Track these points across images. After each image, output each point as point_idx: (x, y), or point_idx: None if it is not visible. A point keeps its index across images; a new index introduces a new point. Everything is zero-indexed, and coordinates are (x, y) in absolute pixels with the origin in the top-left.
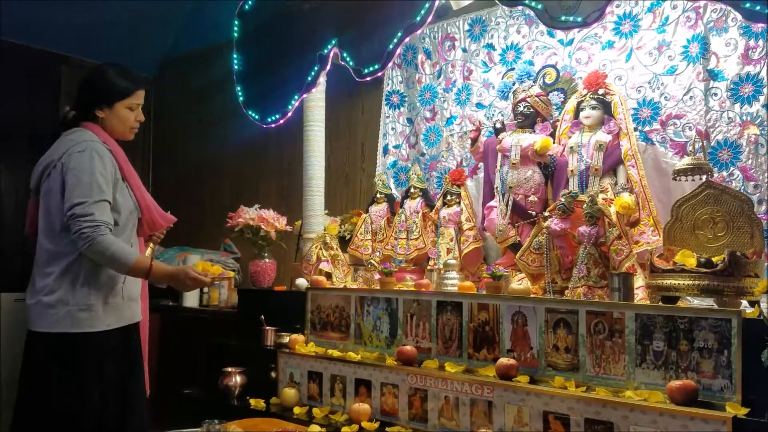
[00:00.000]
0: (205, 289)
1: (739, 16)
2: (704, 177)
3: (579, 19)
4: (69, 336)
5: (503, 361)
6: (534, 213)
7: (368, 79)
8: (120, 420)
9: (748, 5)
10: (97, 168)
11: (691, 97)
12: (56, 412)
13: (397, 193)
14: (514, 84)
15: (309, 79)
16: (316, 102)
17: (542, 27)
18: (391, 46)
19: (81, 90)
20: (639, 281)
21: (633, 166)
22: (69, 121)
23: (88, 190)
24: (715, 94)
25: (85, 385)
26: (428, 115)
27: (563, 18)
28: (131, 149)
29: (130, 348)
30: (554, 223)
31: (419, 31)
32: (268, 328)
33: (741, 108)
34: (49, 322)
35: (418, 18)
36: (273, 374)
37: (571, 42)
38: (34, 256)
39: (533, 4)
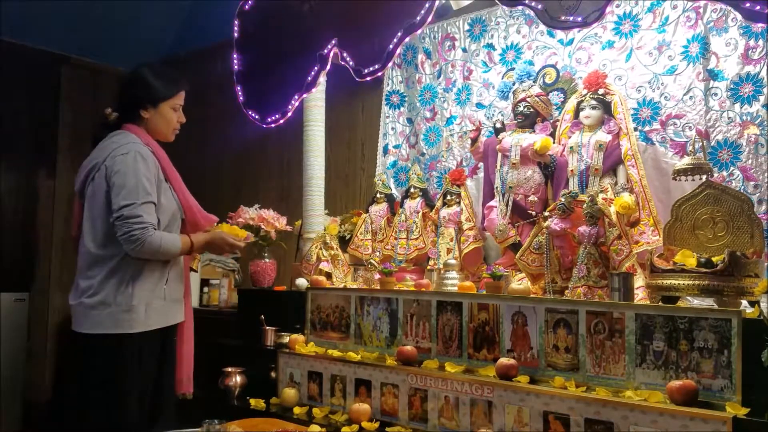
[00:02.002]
0: (205, 289)
1: (739, 16)
2: (704, 177)
3: (579, 19)
4: (110, 337)
5: (503, 361)
6: (534, 213)
7: (368, 79)
8: (151, 417)
9: (748, 5)
10: (141, 170)
11: (691, 97)
12: (97, 410)
13: (397, 193)
14: (514, 84)
15: (309, 79)
16: (316, 102)
17: (542, 27)
18: (391, 46)
19: (124, 90)
20: (639, 281)
21: (633, 166)
22: (111, 123)
23: (134, 192)
24: (715, 94)
25: (125, 384)
26: (428, 115)
27: (563, 18)
28: None
29: (166, 348)
30: (554, 223)
31: (419, 31)
32: (268, 328)
33: (741, 108)
34: (91, 323)
35: (418, 18)
36: (273, 374)
37: (571, 42)
38: (77, 258)
39: (533, 4)
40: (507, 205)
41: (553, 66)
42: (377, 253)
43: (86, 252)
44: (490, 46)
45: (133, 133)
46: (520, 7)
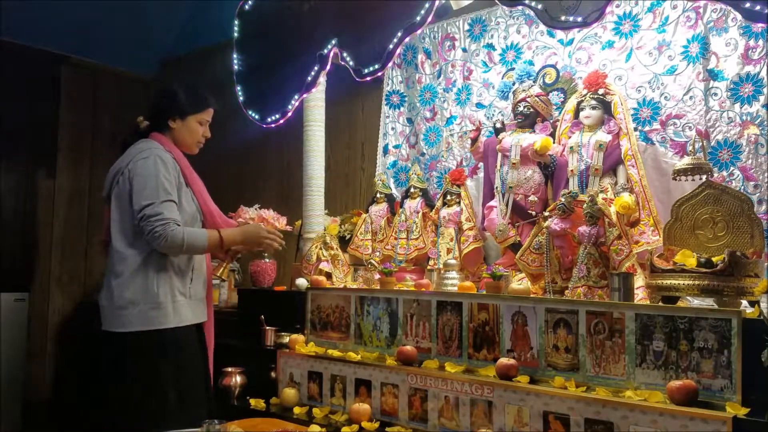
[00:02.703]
0: None
1: (739, 16)
2: (704, 177)
3: (579, 19)
4: (142, 334)
5: (503, 361)
6: (534, 213)
7: (368, 79)
8: (182, 414)
9: (748, 5)
10: (161, 172)
11: (691, 97)
12: (134, 406)
13: (397, 193)
14: (514, 84)
15: (309, 79)
16: (316, 102)
17: (542, 27)
18: (391, 46)
19: (157, 99)
20: (639, 281)
21: (633, 166)
22: (141, 131)
23: (154, 192)
24: (715, 94)
25: (160, 380)
26: (428, 115)
27: (563, 18)
28: None
29: (198, 346)
30: (554, 223)
31: (419, 31)
32: (268, 328)
33: (741, 108)
34: (122, 322)
35: (418, 18)
36: (273, 374)
37: (571, 42)
38: (107, 260)
39: (533, 4)
40: (507, 205)
41: (553, 66)
42: (377, 253)
43: (114, 253)
44: (490, 46)
45: (158, 141)
46: (520, 7)
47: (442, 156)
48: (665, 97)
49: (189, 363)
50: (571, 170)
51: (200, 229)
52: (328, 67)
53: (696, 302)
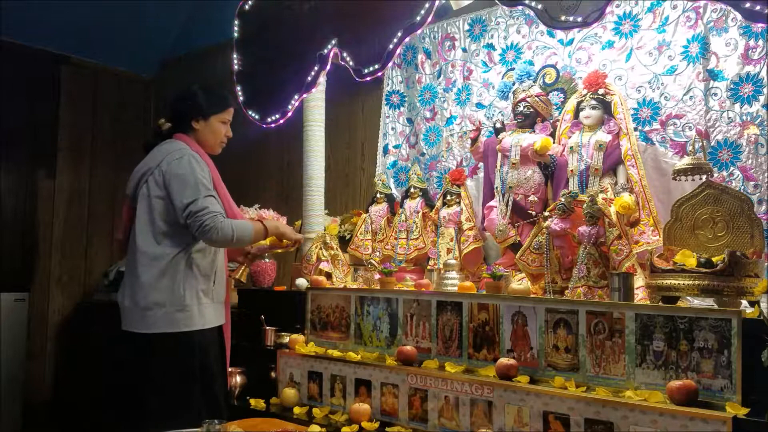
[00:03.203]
0: None
1: (739, 16)
2: (704, 177)
3: (579, 19)
4: (168, 335)
5: (503, 361)
6: (534, 213)
7: (368, 79)
8: (202, 413)
9: (748, 5)
10: (197, 170)
11: (691, 97)
12: (158, 406)
13: (397, 193)
14: (514, 84)
15: (309, 79)
16: (316, 102)
17: (542, 27)
18: (391, 46)
19: (178, 102)
20: (639, 281)
21: (633, 166)
22: (163, 133)
23: (195, 189)
24: (715, 94)
25: (184, 380)
26: (428, 115)
27: (563, 18)
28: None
29: (219, 347)
30: (554, 223)
31: (419, 31)
32: (268, 328)
33: (741, 108)
34: (147, 323)
35: (418, 18)
36: (273, 374)
37: (571, 42)
38: (124, 260)
39: (533, 4)
40: (507, 205)
41: (553, 66)
42: (377, 253)
43: (138, 253)
44: (490, 46)
45: (184, 141)
46: (520, 7)
47: (442, 156)
48: (665, 97)
49: (212, 364)
50: (571, 170)
51: (245, 221)
52: (328, 67)
53: (696, 302)
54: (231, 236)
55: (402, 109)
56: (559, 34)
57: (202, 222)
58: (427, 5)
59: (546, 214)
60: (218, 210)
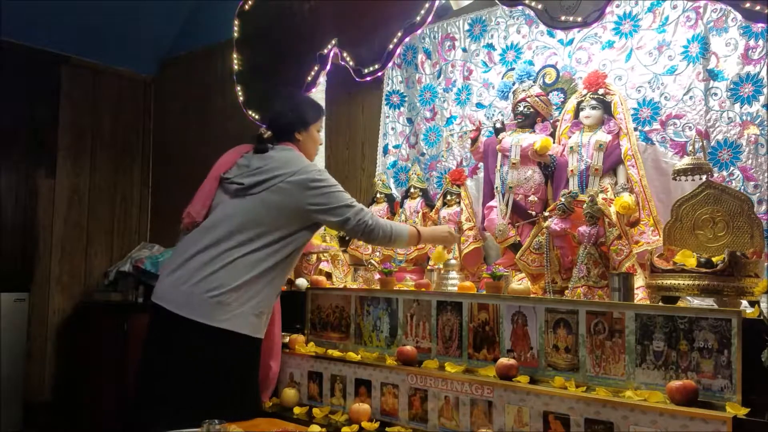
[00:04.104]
0: None
1: (739, 16)
2: (704, 177)
3: (579, 19)
4: (240, 336)
5: (503, 361)
6: (534, 213)
7: (368, 79)
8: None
9: (748, 5)
10: (329, 178)
11: (691, 97)
12: (205, 399)
13: (397, 193)
14: (514, 84)
15: (309, 79)
16: None
17: (542, 27)
18: (391, 46)
19: (280, 115)
20: (639, 281)
21: (633, 166)
22: (265, 139)
23: (341, 195)
24: (715, 94)
25: (243, 381)
26: (428, 115)
27: (563, 18)
28: (131, 149)
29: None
30: (554, 223)
31: (419, 31)
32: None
33: (741, 108)
34: (220, 318)
35: (418, 18)
36: None
37: (571, 42)
38: (181, 241)
39: (533, 4)
40: (507, 205)
41: (553, 66)
42: (377, 253)
43: (231, 248)
44: (490, 46)
45: (296, 151)
46: (520, 7)
47: (442, 156)
48: (665, 97)
49: (257, 373)
50: (571, 170)
51: (401, 223)
52: (328, 67)
53: (696, 302)
54: (389, 235)
55: (402, 109)
56: (559, 34)
57: (361, 222)
58: (427, 5)
59: (546, 214)
60: (367, 209)
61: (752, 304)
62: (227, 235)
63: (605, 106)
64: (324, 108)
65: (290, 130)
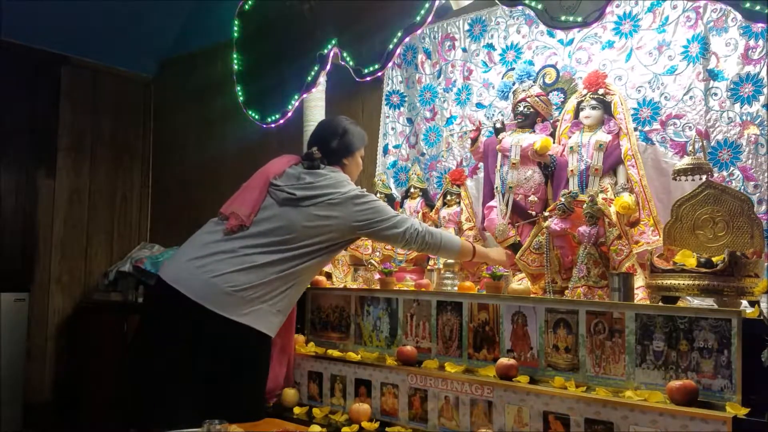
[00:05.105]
0: None
1: (739, 16)
2: (704, 177)
3: (579, 19)
4: (256, 333)
5: (503, 361)
6: (534, 213)
7: (368, 79)
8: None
9: (748, 5)
10: (372, 195)
11: (691, 97)
12: (220, 393)
13: (397, 193)
14: (514, 84)
15: (309, 79)
16: (316, 102)
17: (542, 27)
18: (391, 46)
19: (328, 140)
20: (639, 281)
21: (633, 166)
22: (315, 159)
23: (385, 211)
24: (715, 94)
25: (254, 377)
26: (428, 115)
27: (563, 18)
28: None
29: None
30: (554, 223)
31: (419, 31)
32: None
33: (741, 108)
34: (240, 313)
35: (418, 18)
36: None
37: (571, 42)
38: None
39: (533, 4)
40: (507, 205)
41: (553, 66)
42: (377, 253)
43: (254, 251)
44: (490, 46)
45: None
46: (520, 7)
47: (442, 156)
48: (665, 97)
49: (267, 373)
50: (571, 170)
51: (454, 235)
52: (328, 67)
53: (696, 302)
54: (439, 242)
55: (402, 109)
56: (559, 34)
57: (415, 232)
58: (427, 5)
59: (546, 214)
60: (417, 221)
61: (752, 304)
62: (266, 241)
63: (605, 106)
64: (365, 135)
65: (339, 156)
